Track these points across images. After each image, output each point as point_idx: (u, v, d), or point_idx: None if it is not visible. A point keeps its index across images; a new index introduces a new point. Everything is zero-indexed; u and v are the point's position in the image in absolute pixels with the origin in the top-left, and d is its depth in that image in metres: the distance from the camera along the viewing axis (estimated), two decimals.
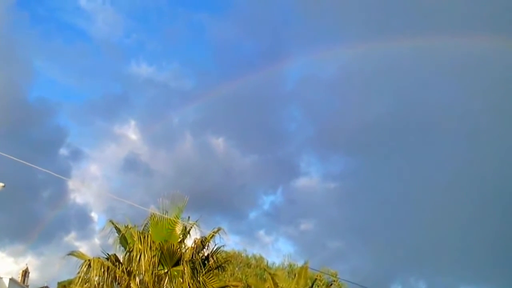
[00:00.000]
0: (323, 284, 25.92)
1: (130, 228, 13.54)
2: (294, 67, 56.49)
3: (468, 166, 45.42)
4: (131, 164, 60.50)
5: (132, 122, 64.23)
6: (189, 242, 13.84)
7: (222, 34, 64.44)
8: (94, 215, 55.16)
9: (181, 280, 12.68)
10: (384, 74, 47.46)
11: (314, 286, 23.83)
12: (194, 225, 13.86)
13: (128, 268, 12.88)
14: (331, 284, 27.08)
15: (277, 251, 69.38)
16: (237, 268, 33.42)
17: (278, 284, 19.26)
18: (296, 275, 21.26)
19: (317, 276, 22.26)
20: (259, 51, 64.37)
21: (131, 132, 63.59)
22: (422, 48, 37.41)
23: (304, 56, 51.74)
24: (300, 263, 29.15)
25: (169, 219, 13.48)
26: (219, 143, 63.98)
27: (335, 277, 28.76)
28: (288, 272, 31.20)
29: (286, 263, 34.47)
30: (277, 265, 34.85)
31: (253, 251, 38.47)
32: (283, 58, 55.33)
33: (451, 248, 43.24)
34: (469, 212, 44.19)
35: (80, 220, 53.54)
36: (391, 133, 50.88)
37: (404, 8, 43.48)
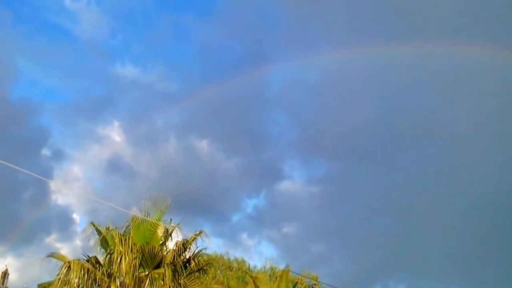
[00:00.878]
0: None
1: (111, 230, 13.48)
2: (279, 71, 56.78)
3: (451, 172, 46.16)
4: (114, 166, 60.06)
5: (116, 124, 63.81)
6: (170, 244, 13.86)
7: (207, 37, 64.53)
8: (75, 216, 54.55)
9: (162, 283, 12.67)
10: (368, 80, 48.07)
11: None
12: (176, 228, 13.87)
13: (109, 270, 12.82)
14: None
15: (260, 254, 69.60)
16: (219, 271, 33.39)
17: (260, 287, 19.33)
18: (278, 278, 21.36)
19: (298, 279, 22.39)
20: (244, 54, 64.54)
21: (115, 134, 63.14)
22: (407, 55, 37.95)
23: (289, 60, 52.06)
24: (282, 266, 29.22)
25: (151, 221, 13.46)
26: (203, 145, 63.90)
27: (316, 280, 28.95)
28: (269, 275, 31.34)
29: (267, 266, 34.65)
30: (258, 268, 35.00)
31: (235, 254, 38.54)
32: (268, 62, 55.62)
33: (431, 252, 43.89)
34: (449, 217, 44.92)
35: (62, 222, 52.90)
36: (374, 139, 51.49)
37: (390, 15, 44.10)
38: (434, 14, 40.31)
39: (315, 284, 27.85)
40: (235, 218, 64.63)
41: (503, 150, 41.54)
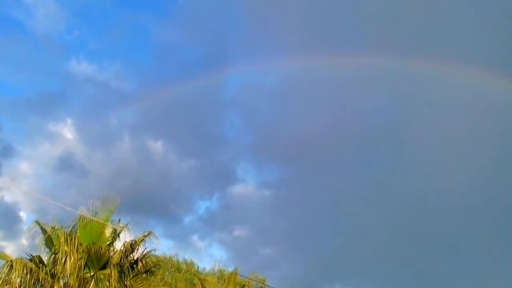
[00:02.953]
0: None
1: (56, 229, 13.25)
2: (236, 75, 56.95)
3: (399, 178, 47.74)
4: (65, 164, 58.28)
5: (69, 121, 62.02)
6: (118, 245, 13.77)
7: (166, 38, 63.78)
8: (23, 214, 52.54)
9: (108, 284, 12.58)
10: (325, 88, 48.91)
11: None
12: (125, 228, 13.79)
13: (53, 270, 12.59)
14: None
15: (210, 257, 69.33)
16: (167, 273, 33.15)
17: None
18: (225, 281, 21.52)
19: (246, 282, 22.65)
20: (202, 56, 64.23)
21: (67, 131, 61.37)
22: (364, 65, 38.97)
23: (247, 64, 52.33)
24: (231, 269, 29.51)
25: (98, 221, 13.32)
26: (157, 146, 63.22)
27: (263, 283, 29.35)
28: (218, 278, 31.45)
29: (216, 269, 34.76)
30: (207, 270, 35.05)
31: (185, 255, 38.42)
32: (225, 65, 55.53)
33: (377, 256, 45.28)
34: (399, 223, 46.43)
35: (8, 220, 50.85)
36: (327, 145, 52.48)
37: (350, 25, 45.12)
38: (400, 25, 41.61)
39: (262, 287, 28.21)
40: (187, 219, 64.18)
41: (454, 157, 43.48)
